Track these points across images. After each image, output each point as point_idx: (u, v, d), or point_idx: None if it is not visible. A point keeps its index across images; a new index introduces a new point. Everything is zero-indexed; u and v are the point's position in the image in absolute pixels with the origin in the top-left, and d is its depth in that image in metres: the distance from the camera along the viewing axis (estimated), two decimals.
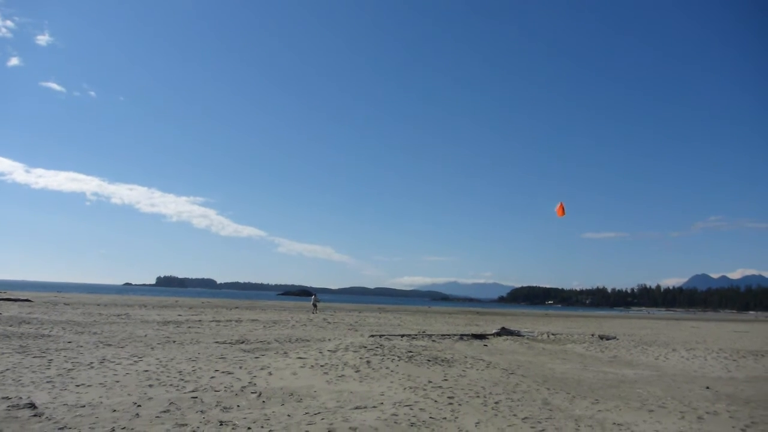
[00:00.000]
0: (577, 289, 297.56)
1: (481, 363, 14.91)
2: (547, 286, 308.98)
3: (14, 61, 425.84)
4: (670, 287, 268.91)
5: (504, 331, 24.73)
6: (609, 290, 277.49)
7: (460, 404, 9.69)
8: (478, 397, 10.39)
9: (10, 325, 20.48)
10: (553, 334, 26.45)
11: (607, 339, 24.74)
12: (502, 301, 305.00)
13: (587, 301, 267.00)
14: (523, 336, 24.16)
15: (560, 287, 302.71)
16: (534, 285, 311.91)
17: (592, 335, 26.62)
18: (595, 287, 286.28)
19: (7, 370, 11.15)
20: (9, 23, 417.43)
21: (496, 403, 9.93)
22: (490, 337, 22.88)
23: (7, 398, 8.57)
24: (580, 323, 47.24)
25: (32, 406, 8.14)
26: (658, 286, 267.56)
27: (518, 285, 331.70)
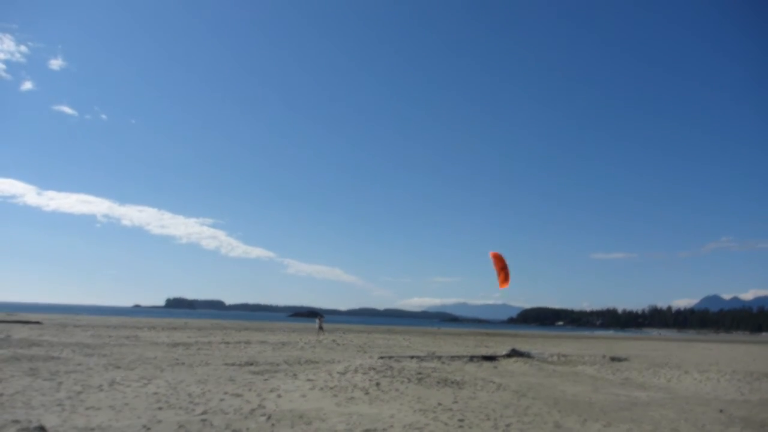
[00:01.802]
0: (587, 310, 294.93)
1: (491, 385, 14.80)
2: (557, 307, 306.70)
3: (27, 85, 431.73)
4: (682, 308, 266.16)
5: (514, 353, 24.53)
6: (620, 311, 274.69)
7: (470, 427, 9.62)
8: (488, 419, 10.31)
9: (20, 348, 20.52)
10: (563, 356, 26.23)
11: (619, 360, 24.51)
12: (511, 322, 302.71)
13: (598, 322, 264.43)
14: (534, 357, 23.97)
15: (570, 308, 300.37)
16: (543, 306, 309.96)
17: (603, 357, 26.37)
18: (605, 308, 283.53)
19: (17, 392, 11.16)
20: (23, 48, 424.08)
21: (507, 425, 9.85)
22: (500, 358, 22.71)
23: (17, 421, 8.57)
24: (591, 344, 46.81)
25: (42, 429, 8.14)
26: (669, 307, 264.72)
27: (528, 306, 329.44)
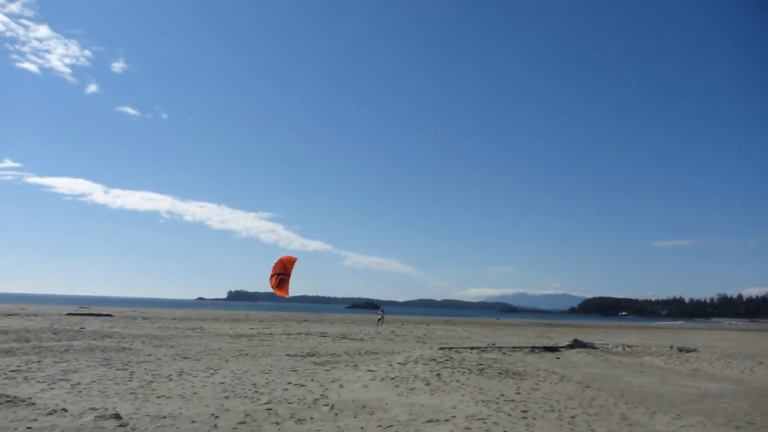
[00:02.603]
0: (652, 299, 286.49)
1: (554, 376, 14.57)
2: (620, 296, 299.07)
3: (92, 88, 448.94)
4: (753, 297, 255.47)
5: (577, 344, 24.05)
6: (686, 300, 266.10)
7: (534, 418, 9.50)
8: (553, 411, 10.16)
9: (94, 339, 21.44)
10: (628, 347, 25.59)
11: (687, 351, 23.72)
12: (572, 312, 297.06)
13: (663, 312, 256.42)
14: (597, 348, 23.45)
15: (634, 297, 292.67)
16: (606, 296, 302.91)
17: (671, 347, 25.58)
18: (671, 297, 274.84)
19: (93, 382, 11.67)
20: (87, 52, 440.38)
21: (572, 417, 9.68)
22: (562, 349, 22.31)
23: (95, 409, 8.97)
24: (657, 335, 45.53)
25: (117, 416, 8.49)
26: (740, 296, 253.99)
27: (589, 296, 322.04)
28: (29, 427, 7.78)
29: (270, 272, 20.11)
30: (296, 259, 19.99)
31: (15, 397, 9.67)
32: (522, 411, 10.00)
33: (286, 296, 19.78)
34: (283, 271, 19.63)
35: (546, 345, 23.88)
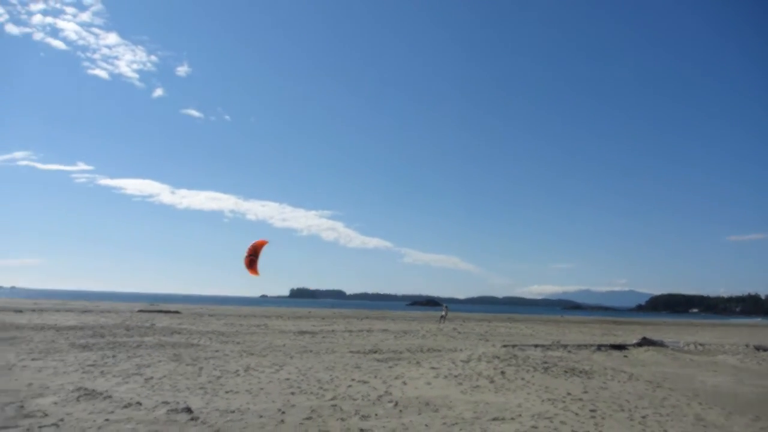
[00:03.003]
0: (725, 296, 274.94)
1: (622, 375, 14.17)
2: (690, 293, 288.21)
3: (159, 92, 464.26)
4: None
5: (645, 341, 23.31)
6: (762, 296, 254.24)
7: (603, 418, 9.25)
8: (622, 410, 9.87)
9: (164, 335, 22.18)
10: (700, 345, 24.64)
11: (764, 350, 22.65)
12: (639, 309, 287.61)
13: (737, 309, 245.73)
14: (667, 346, 22.68)
15: (705, 294, 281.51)
16: (675, 292, 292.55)
17: (746, 346, 24.48)
18: (745, 294, 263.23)
19: (165, 376, 12.07)
20: (153, 58, 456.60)
21: (643, 417, 9.38)
22: (630, 347, 21.68)
23: (167, 402, 9.26)
24: (731, 333, 43.69)
25: (188, 410, 8.74)
26: None
27: (657, 292, 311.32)
28: (107, 419, 8.11)
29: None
30: (266, 242, 21.99)
31: (93, 390, 10.09)
32: (590, 410, 9.76)
33: (257, 275, 21.69)
34: (253, 253, 21.05)
35: (613, 343, 23.26)
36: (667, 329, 46.43)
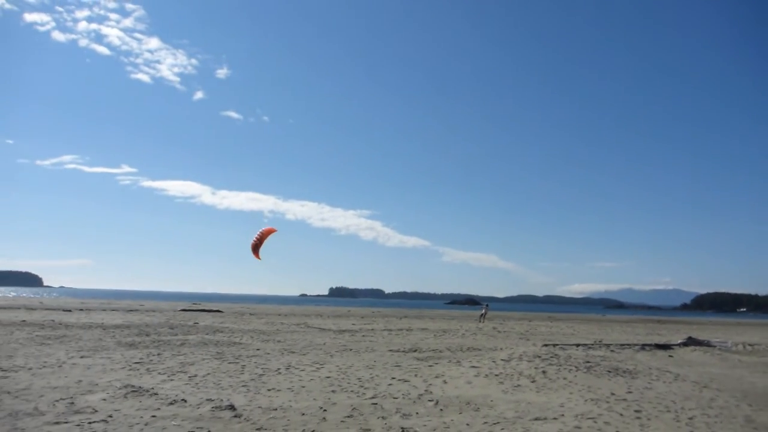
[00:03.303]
0: None
1: (668, 375, 13.86)
2: (738, 291, 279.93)
3: (199, 95, 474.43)
4: None
5: (691, 341, 22.76)
6: None
7: (648, 419, 9.06)
8: (668, 411, 9.65)
9: (207, 334, 22.56)
10: (749, 345, 23.93)
11: None
12: (684, 308, 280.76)
13: None
14: (714, 346, 22.09)
15: (753, 293, 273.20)
16: (721, 291, 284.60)
17: None
18: None
19: (208, 374, 12.28)
20: (193, 61, 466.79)
21: (690, 418, 9.16)
22: (675, 347, 21.19)
23: (211, 400, 9.43)
24: None
25: (232, 407, 8.88)
26: None
27: (702, 291, 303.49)
28: (153, 416, 8.29)
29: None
30: (275, 230, 22.47)
31: (140, 387, 10.34)
32: (635, 411, 9.57)
33: (259, 259, 22.18)
34: (259, 239, 22.01)
35: (657, 342, 22.76)
36: (714, 329, 45.21)
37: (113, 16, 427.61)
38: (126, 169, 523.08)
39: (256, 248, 21.86)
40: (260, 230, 22.21)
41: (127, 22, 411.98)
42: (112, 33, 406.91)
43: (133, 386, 10.35)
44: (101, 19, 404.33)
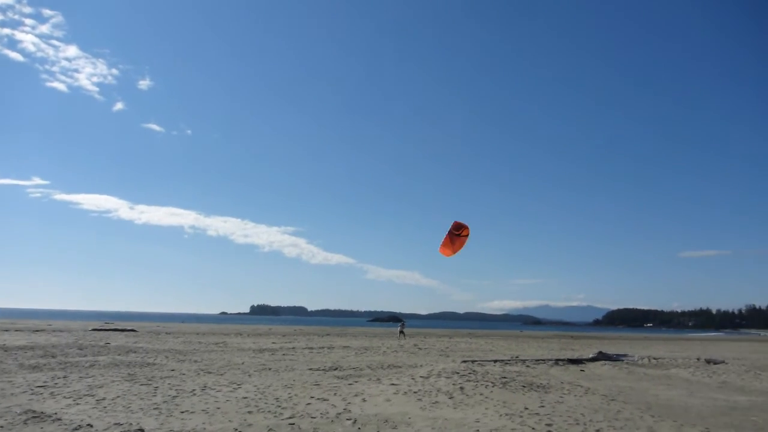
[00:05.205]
0: (678, 310, 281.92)
1: (579, 389, 14.38)
2: (645, 308, 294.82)
3: (119, 106, 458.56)
4: None
5: (601, 356, 23.73)
6: (714, 311, 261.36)
7: None
8: (577, 424, 10.01)
9: (119, 354, 21.65)
10: (654, 359, 25.14)
11: (715, 363, 23.25)
12: (597, 324, 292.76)
13: (690, 324, 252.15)
14: (622, 360, 23.11)
15: (659, 309, 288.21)
16: (631, 307, 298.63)
17: (698, 359, 25.08)
18: (697, 308, 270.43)
19: (118, 397, 11.77)
20: (114, 71, 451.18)
21: (597, 430, 9.53)
22: (586, 362, 22.03)
23: (119, 424, 9.04)
24: (684, 347, 44.73)
25: (142, 431, 8.54)
26: None
27: (614, 307, 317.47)
28: None
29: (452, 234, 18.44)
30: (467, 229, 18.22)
31: (42, 412, 9.78)
32: (546, 424, 9.87)
33: (451, 255, 18.20)
34: (457, 230, 18.05)
35: (570, 357, 23.58)
36: (623, 343, 47.34)
37: (28, 21, 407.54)
38: (37, 181, 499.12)
39: (453, 242, 17.92)
40: (457, 222, 17.90)
41: (44, 29, 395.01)
42: (27, 39, 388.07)
43: (34, 412, 9.79)
44: (15, 24, 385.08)
